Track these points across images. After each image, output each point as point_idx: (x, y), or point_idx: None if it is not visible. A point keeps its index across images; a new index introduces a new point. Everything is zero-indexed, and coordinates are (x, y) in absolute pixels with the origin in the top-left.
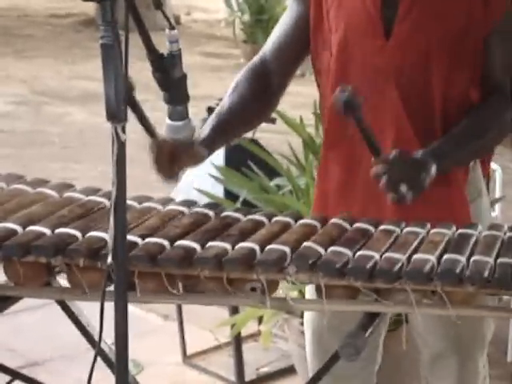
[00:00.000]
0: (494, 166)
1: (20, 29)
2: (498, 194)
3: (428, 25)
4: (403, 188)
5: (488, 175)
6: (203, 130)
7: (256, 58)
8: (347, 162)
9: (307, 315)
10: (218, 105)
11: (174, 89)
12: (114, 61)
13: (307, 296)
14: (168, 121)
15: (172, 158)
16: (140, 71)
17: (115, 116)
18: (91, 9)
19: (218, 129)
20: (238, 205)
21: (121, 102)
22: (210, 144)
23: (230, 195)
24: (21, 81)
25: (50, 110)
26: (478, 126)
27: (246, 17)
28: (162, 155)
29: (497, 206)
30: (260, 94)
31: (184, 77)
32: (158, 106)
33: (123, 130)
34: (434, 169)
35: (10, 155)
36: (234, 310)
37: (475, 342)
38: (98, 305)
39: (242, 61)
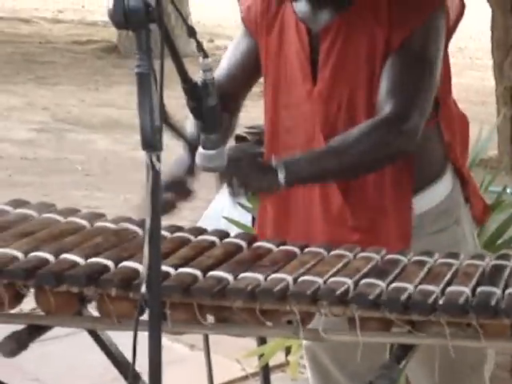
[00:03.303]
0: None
1: (42, 56)
2: None
3: (345, 71)
4: (235, 182)
5: (477, 201)
6: (182, 158)
7: None
8: (281, 204)
9: None
10: (246, 133)
11: (208, 117)
12: (149, 90)
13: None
14: (201, 150)
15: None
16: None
17: (150, 145)
18: (113, 35)
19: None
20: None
21: (156, 131)
22: (193, 172)
23: None
24: (43, 108)
25: (72, 137)
26: (342, 146)
27: None
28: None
29: None
30: None
31: (217, 105)
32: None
33: (158, 159)
34: (281, 175)
35: (32, 183)
36: (262, 341)
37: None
38: (124, 336)
39: None
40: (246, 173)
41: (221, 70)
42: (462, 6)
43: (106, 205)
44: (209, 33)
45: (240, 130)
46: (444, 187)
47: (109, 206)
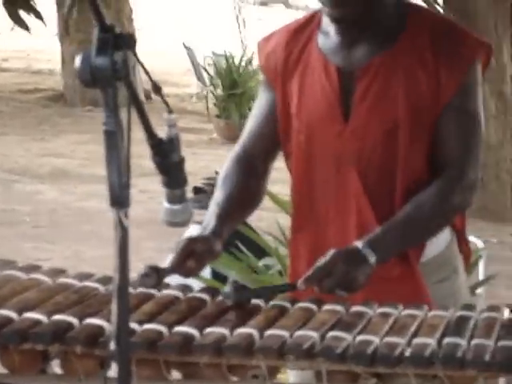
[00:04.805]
0: (477, 242)
1: None
2: (481, 271)
3: (383, 109)
4: (339, 292)
5: (467, 251)
6: (208, 224)
7: (237, 147)
8: (315, 242)
9: None
10: (204, 184)
11: (173, 172)
12: (116, 147)
13: (290, 379)
14: (166, 204)
15: (190, 256)
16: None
17: (119, 202)
18: (59, 84)
19: (222, 220)
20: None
21: (124, 188)
22: (220, 235)
23: (218, 276)
24: None
25: (19, 188)
26: (420, 214)
27: (219, 91)
28: (184, 255)
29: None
30: (249, 182)
31: (182, 160)
32: (148, 188)
33: (126, 216)
34: (373, 261)
35: None
36: None
37: None
38: None
39: (214, 136)
40: (348, 279)
41: (246, 132)
42: (490, 52)
43: (55, 256)
44: (157, 80)
45: (197, 181)
46: (443, 238)
47: (58, 258)
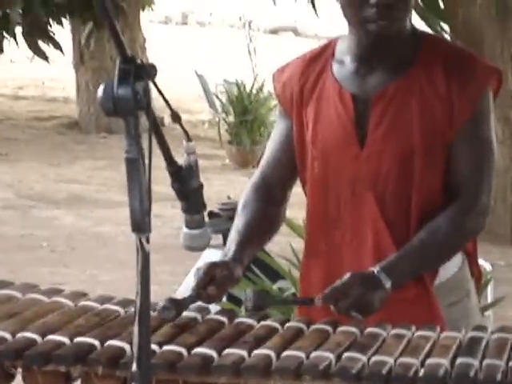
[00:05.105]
0: (485, 265)
1: (3, 132)
2: (490, 294)
3: (398, 134)
4: (354, 314)
5: (478, 275)
6: (229, 250)
7: (256, 175)
8: (329, 266)
9: None
10: (219, 209)
11: (192, 198)
12: (138, 174)
13: None
14: (185, 229)
15: (211, 282)
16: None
17: (140, 227)
18: (73, 111)
19: (242, 246)
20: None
21: (145, 214)
22: (240, 261)
23: (233, 299)
24: (6, 185)
25: (36, 213)
26: (434, 240)
27: (231, 118)
28: (205, 282)
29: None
30: (267, 209)
31: (201, 187)
32: (163, 214)
33: (147, 241)
34: (388, 286)
35: None
36: None
37: None
38: None
39: (227, 162)
40: (364, 303)
41: (265, 159)
42: (501, 79)
43: (71, 281)
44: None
45: (211, 206)
46: (455, 261)
47: (74, 282)
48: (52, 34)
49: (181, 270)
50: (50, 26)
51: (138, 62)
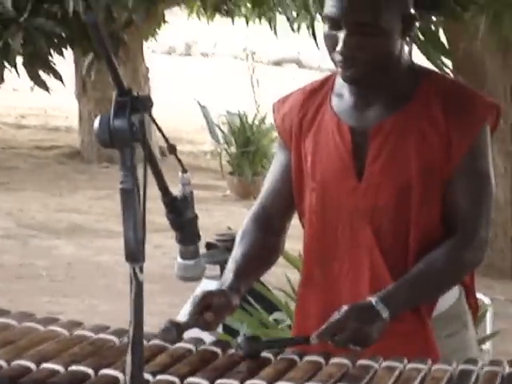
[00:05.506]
0: (484, 298)
1: (5, 161)
2: (488, 327)
3: (395, 168)
4: (352, 347)
5: (475, 307)
6: (226, 279)
7: (255, 205)
8: (325, 300)
9: None
10: (216, 240)
11: (186, 229)
12: (133, 204)
13: None
14: (179, 260)
15: (208, 310)
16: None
17: (134, 257)
18: (75, 141)
19: (239, 275)
20: (240, 337)
21: (139, 243)
22: (237, 290)
23: (229, 330)
24: (7, 213)
25: (36, 243)
26: (432, 271)
27: (233, 149)
28: (202, 308)
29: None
30: (266, 239)
31: (195, 217)
32: (162, 244)
33: (141, 270)
34: (386, 316)
35: None
36: None
37: None
38: None
39: (228, 193)
40: (361, 336)
41: (264, 190)
42: (499, 113)
43: (69, 310)
44: (171, 138)
45: (210, 237)
46: (452, 293)
47: (73, 312)
48: (53, 64)
49: (179, 300)
50: (51, 56)
51: (134, 94)
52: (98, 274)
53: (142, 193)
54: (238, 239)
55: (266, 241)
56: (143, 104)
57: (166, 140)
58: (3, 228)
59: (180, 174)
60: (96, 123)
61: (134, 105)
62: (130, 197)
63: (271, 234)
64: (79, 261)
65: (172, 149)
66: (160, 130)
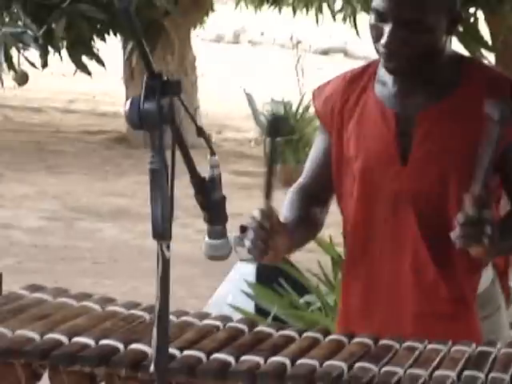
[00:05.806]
0: None
1: (53, 145)
2: None
3: (441, 154)
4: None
5: (507, 291)
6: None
7: (300, 180)
8: (368, 280)
9: None
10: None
11: (214, 210)
12: (161, 184)
13: None
14: (207, 239)
15: (267, 236)
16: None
17: (161, 235)
18: (122, 126)
19: (293, 229)
20: (269, 320)
21: (166, 222)
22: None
23: (261, 311)
24: (53, 196)
25: (81, 225)
26: None
27: None
28: (264, 229)
29: None
30: (311, 209)
31: (223, 199)
32: (187, 222)
33: (168, 248)
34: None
35: (42, 270)
36: None
37: None
38: None
39: None
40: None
41: (305, 172)
42: None
43: (113, 292)
44: (217, 124)
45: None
46: (487, 275)
47: (116, 294)
48: (96, 50)
49: (219, 284)
50: (94, 41)
51: (164, 78)
52: (140, 257)
53: (170, 173)
54: (283, 209)
55: (311, 209)
56: (173, 88)
57: (196, 124)
58: (49, 210)
59: (209, 156)
60: (127, 105)
61: (164, 88)
62: (159, 177)
63: (315, 205)
64: (122, 244)
65: (201, 132)
66: (190, 113)
